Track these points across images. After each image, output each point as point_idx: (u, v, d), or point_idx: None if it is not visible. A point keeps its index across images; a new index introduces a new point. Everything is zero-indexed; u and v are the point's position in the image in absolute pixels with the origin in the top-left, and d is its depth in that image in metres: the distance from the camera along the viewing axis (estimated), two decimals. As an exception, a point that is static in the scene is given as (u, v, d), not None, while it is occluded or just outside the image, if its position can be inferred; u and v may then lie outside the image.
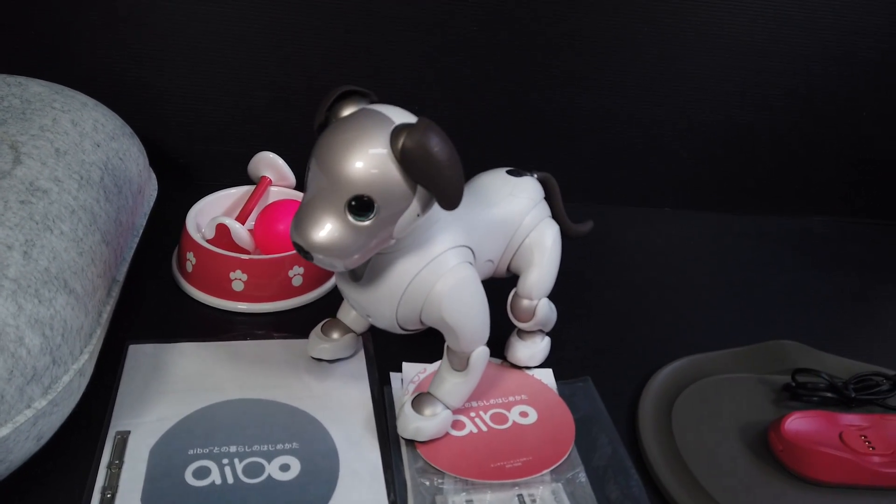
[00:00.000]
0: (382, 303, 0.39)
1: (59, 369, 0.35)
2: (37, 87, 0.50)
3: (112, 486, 0.37)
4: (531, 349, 0.48)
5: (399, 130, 0.33)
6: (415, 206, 0.35)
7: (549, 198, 0.47)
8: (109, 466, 0.38)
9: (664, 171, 0.71)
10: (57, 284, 0.36)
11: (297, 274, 0.52)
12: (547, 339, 0.49)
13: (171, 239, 0.56)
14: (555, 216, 0.47)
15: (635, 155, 0.70)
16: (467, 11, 0.62)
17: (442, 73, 0.64)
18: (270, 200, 0.58)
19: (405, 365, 0.47)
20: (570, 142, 0.69)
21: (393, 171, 0.34)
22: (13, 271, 0.34)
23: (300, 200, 0.56)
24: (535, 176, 0.46)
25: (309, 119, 0.63)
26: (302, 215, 0.34)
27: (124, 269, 0.48)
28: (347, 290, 0.40)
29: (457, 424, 0.43)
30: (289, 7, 0.61)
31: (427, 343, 0.46)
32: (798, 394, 0.47)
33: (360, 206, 0.33)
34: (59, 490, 0.37)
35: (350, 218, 0.34)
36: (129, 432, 0.40)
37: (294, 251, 0.51)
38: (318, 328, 0.47)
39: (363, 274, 0.38)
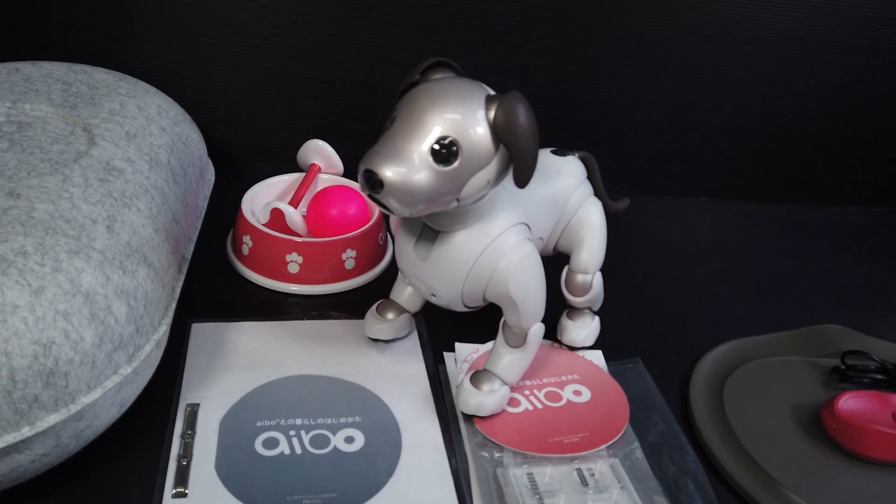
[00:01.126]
0: (449, 281, 0.40)
1: (141, 339, 0.36)
2: (101, 75, 0.51)
3: (187, 454, 0.38)
4: (585, 329, 0.49)
5: (494, 97, 0.35)
6: (490, 170, 0.36)
7: (589, 177, 0.48)
8: (183, 436, 0.39)
9: (699, 160, 0.71)
10: (138, 258, 0.38)
11: (349, 257, 0.53)
12: (597, 319, 0.50)
13: (222, 224, 0.57)
14: (595, 194, 0.48)
15: (663, 143, 0.70)
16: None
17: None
18: (319, 187, 0.59)
19: (458, 345, 0.48)
20: (603, 131, 0.69)
21: (483, 128, 0.35)
22: (99, 244, 0.36)
23: (350, 187, 0.58)
24: (577, 155, 0.48)
25: (348, 109, 0.65)
26: (381, 147, 0.34)
27: (191, 248, 0.49)
28: (413, 269, 0.41)
29: (512, 402, 0.44)
30: (331, 1, 0.62)
31: (477, 324, 0.47)
32: (847, 375, 0.48)
33: (445, 150, 0.34)
34: (137, 456, 0.38)
35: (431, 160, 0.34)
36: (198, 405, 0.42)
37: (346, 235, 0.53)
38: (373, 309, 0.48)
39: (429, 254, 0.40)
